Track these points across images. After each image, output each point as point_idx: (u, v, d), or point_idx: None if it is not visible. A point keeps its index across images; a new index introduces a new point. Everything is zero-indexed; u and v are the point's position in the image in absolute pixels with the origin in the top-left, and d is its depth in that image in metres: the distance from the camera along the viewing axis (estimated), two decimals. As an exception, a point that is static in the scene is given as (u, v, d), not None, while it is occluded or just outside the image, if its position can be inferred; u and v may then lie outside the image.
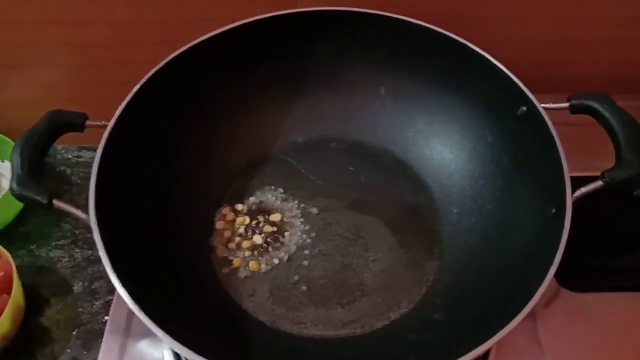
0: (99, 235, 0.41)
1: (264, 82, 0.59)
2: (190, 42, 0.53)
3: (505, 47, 0.55)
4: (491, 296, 0.46)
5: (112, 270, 0.40)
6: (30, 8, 0.60)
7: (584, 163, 0.49)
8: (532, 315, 0.52)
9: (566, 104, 0.49)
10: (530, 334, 0.52)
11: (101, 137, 0.47)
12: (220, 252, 0.55)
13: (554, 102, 0.49)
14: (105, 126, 0.47)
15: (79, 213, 0.43)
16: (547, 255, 0.41)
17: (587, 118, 0.49)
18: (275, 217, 0.57)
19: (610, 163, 0.46)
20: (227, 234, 0.56)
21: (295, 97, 0.60)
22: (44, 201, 0.43)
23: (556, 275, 0.53)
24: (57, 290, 0.58)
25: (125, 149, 0.48)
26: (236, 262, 0.54)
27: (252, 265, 0.54)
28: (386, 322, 0.50)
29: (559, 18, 0.63)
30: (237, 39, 0.55)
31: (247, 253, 0.55)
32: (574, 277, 0.54)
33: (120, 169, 0.47)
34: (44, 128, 0.46)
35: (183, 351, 0.38)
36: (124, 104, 0.49)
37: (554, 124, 0.48)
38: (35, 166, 0.44)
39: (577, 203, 0.44)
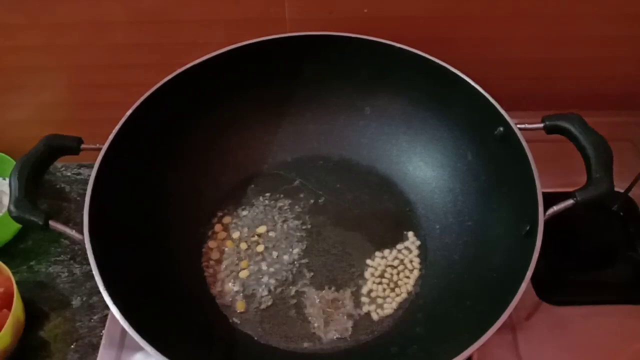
0: (93, 255, 0.43)
1: (254, 103, 0.60)
2: (183, 65, 0.55)
3: (485, 66, 0.57)
4: (469, 309, 0.48)
5: (105, 288, 0.42)
6: (27, 33, 0.62)
7: (558, 179, 0.52)
8: (512, 328, 0.53)
9: (540, 125, 0.50)
10: (510, 346, 0.53)
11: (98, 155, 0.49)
12: (212, 272, 0.57)
13: (529, 123, 0.51)
14: (100, 149, 0.49)
15: (73, 233, 0.45)
16: (521, 270, 0.43)
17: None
18: (261, 229, 0.59)
19: (584, 178, 0.47)
20: (217, 255, 0.58)
21: (284, 118, 0.62)
22: (41, 222, 0.45)
23: (536, 288, 0.55)
24: (56, 304, 0.60)
25: (118, 172, 0.50)
26: (228, 290, 0.56)
27: (239, 306, 0.54)
28: (370, 337, 0.52)
29: (534, 38, 0.64)
30: (228, 63, 0.57)
31: (238, 273, 0.57)
32: (553, 291, 0.56)
33: (114, 190, 0.49)
34: (40, 152, 0.48)
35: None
36: (117, 127, 0.50)
37: (529, 141, 0.49)
38: (32, 188, 0.46)
39: (553, 219, 0.46)
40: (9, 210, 0.45)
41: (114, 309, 0.41)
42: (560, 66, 0.67)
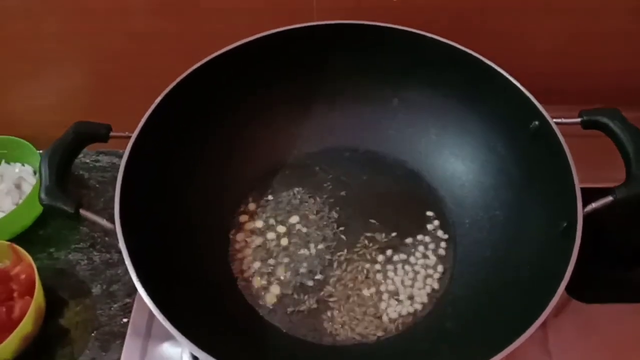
0: (125, 245, 0.43)
1: (280, 94, 0.60)
2: (207, 56, 0.54)
3: (517, 59, 0.56)
4: (501, 307, 0.47)
5: (137, 277, 0.41)
6: (50, 20, 0.62)
7: (594, 174, 0.50)
8: (542, 325, 0.52)
9: (578, 119, 0.49)
10: (540, 343, 0.52)
11: (119, 142, 0.49)
12: (238, 262, 0.56)
13: (565, 117, 0.50)
14: (129, 137, 0.48)
15: (104, 222, 0.44)
16: (558, 270, 0.42)
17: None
18: (292, 219, 0.58)
19: (621, 173, 0.47)
20: (243, 245, 0.57)
21: (310, 108, 0.61)
22: (71, 210, 0.44)
23: (566, 286, 0.54)
24: (76, 292, 0.60)
25: (147, 160, 0.49)
26: (256, 281, 0.55)
27: (268, 298, 0.54)
28: (398, 333, 0.51)
29: (569, 32, 0.64)
30: (255, 52, 0.56)
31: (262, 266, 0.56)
32: (584, 289, 0.55)
33: (143, 179, 0.48)
34: (70, 139, 0.47)
35: (201, 354, 0.39)
36: (146, 115, 0.50)
37: (565, 135, 0.49)
38: (62, 176, 0.46)
39: (587, 217, 0.45)
40: (39, 198, 0.44)
41: (146, 298, 0.41)
42: (593, 61, 0.66)
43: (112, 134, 0.49)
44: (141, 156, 0.48)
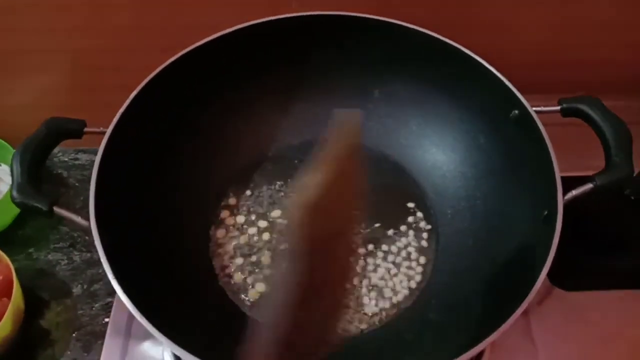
0: (100, 242, 0.42)
1: (260, 87, 0.59)
2: (187, 47, 0.53)
3: (498, 50, 0.55)
4: (484, 296, 0.47)
5: (114, 276, 0.41)
6: (27, 15, 0.60)
7: (574, 162, 0.50)
8: (525, 313, 0.52)
9: (557, 107, 0.49)
10: (523, 331, 0.52)
11: (98, 139, 0.48)
12: (220, 258, 0.56)
13: (545, 105, 0.50)
14: (104, 133, 0.47)
15: (79, 220, 0.43)
16: (539, 258, 0.42)
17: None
18: (273, 214, 0.58)
19: (601, 161, 0.47)
20: (224, 241, 0.57)
21: (290, 101, 0.61)
22: (45, 208, 0.43)
23: (549, 274, 0.54)
24: (57, 293, 0.59)
25: (123, 156, 0.48)
26: (238, 277, 0.54)
27: (250, 294, 0.53)
28: (382, 323, 0.51)
29: (551, 22, 0.64)
30: (234, 44, 0.55)
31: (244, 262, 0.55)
32: (566, 276, 0.55)
33: (119, 175, 0.48)
34: (42, 136, 0.46)
35: (182, 353, 0.39)
36: (121, 110, 0.49)
37: (545, 124, 0.48)
38: (35, 173, 0.45)
39: (568, 205, 0.45)
40: (11, 196, 0.43)
41: (123, 297, 0.40)
42: (573, 51, 0.66)
43: (86, 129, 0.48)
44: (117, 152, 0.47)
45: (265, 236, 0.57)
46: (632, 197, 0.61)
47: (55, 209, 0.44)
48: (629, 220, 0.61)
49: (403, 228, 0.57)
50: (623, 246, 0.60)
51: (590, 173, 0.46)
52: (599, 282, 0.56)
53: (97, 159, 0.46)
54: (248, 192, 0.59)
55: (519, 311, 0.39)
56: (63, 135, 0.48)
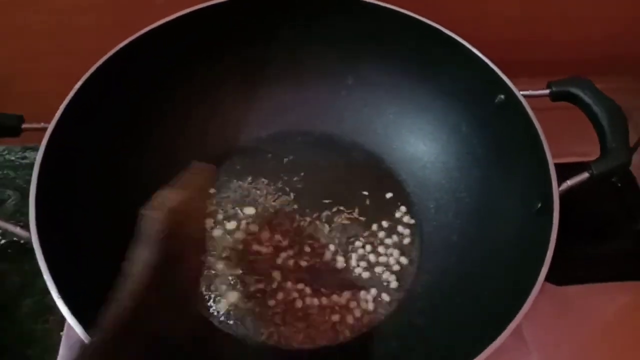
0: (42, 256, 0.37)
1: (223, 73, 0.54)
2: (140, 30, 0.48)
3: (480, 28, 0.53)
4: (475, 299, 0.44)
5: (59, 295, 0.36)
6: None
7: (565, 149, 0.47)
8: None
9: (546, 91, 0.47)
10: (515, 330, 0.49)
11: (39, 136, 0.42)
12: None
13: (533, 89, 0.47)
14: (45, 129, 0.42)
15: (17, 230, 0.39)
16: (535, 254, 0.39)
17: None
18: (247, 210, 0.54)
19: (592, 146, 0.44)
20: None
21: (256, 89, 0.56)
22: (-26, 220, 0.38)
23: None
24: (4, 307, 0.53)
25: (69, 154, 0.44)
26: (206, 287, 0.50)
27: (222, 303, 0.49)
28: (366, 329, 0.47)
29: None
30: (193, 26, 0.50)
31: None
32: (555, 270, 0.52)
33: (66, 176, 0.43)
34: (-28, 134, 0.41)
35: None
36: (65, 102, 0.44)
37: (533, 109, 0.46)
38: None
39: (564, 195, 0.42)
40: None
41: (71, 320, 0.36)
42: (562, 28, 0.63)
43: (24, 125, 0.43)
44: (61, 150, 0.42)
45: (239, 234, 0.52)
46: (619, 184, 0.59)
47: (-12, 218, 0.38)
48: (615, 208, 0.58)
49: (385, 223, 0.53)
50: (611, 235, 0.58)
51: (582, 159, 0.43)
52: (588, 274, 0.53)
53: (38, 159, 0.41)
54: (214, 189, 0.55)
55: (518, 319, 0.37)
56: (-3, 133, 0.42)
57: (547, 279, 0.52)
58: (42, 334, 0.52)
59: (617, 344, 0.50)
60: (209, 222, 0.53)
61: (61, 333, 0.51)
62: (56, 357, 0.49)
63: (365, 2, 0.51)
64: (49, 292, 0.52)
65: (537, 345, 0.49)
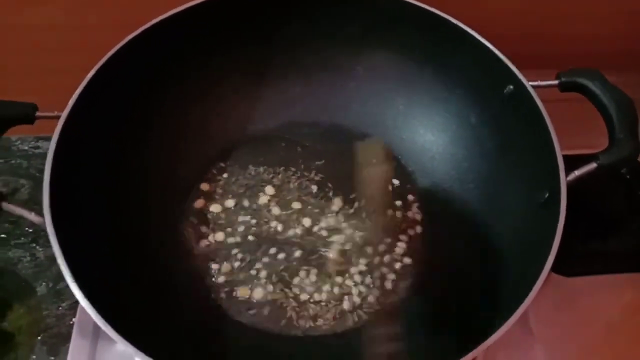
0: (56, 240, 0.38)
1: (230, 66, 0.55)
2: (147, 23, 0.49)
3: (489, 20, 0.53)
4: (483, 289, 0.44)
5: (73, 279, 0.37)
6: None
7: (573, 140, 0.48)
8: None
9: (555, 82, 0.47)
10: (521, 321, 0.50)
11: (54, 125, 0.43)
12: (193, 252, 0.52)
13: (542, 80, 0.47)
14: (58, 117, 0.43)
15: (32, 216, 0.40)
16: (542, 244, 0.40)
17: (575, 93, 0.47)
18: (263, 199, 0.55)
19: (601, 138, 0.44)
20: (199, 235, 0.53)
21: (265, 80, 0.57)
22: (-10, 206, 0.40)
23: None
24: (19, 293, 0.55)
25: (82, 142, 0.45)
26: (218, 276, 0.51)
27: (242, 292, 0.50)
28: (368, 319, 0.48)
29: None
30: (199, 19, 0.51)
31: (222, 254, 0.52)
32: (562, 262, 0.53)
33: (78, 164, 0.44)
34: (-13, 122, 0.42)
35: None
36: (77, 92, 0.45)
37: (542, 100, 0.46)
38: (-21, 165, 0.40)
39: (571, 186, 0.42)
40: (-48, 190, 0.39)
41: (84, 302, 0.36)
42: (572, 22, 0.63)
43: (38, 114, 0.44)
44: (74, 138, 0.43)
45: (243, 227, 0.53)
46: (628, 176, 0.59)
47: (4, 205, 0.40)
48: (625, 199, 0.59)
49: (389, 215, 0.54)
50: (619, 227, 0.58)
51: (591, 151, 0.44)
52: (595, 266, 0.54)
53: (52, 146, 0.42)
54: (220, 181, 0.56)
55: (522, 309, 0.37)
56: (11, 121, 0.44)
57: (555, 270, 0.53)
58: (55, 320, 0.53)
59: (623, 335, 0.51)
60: (230, 203, 0.54)
61: (73, 319, 0.52)
62: (69, 343, 0.50)
63: (374, -8, 0.51)
64: (62, 279, 0.55)
65: (542, 334, 0.50)
